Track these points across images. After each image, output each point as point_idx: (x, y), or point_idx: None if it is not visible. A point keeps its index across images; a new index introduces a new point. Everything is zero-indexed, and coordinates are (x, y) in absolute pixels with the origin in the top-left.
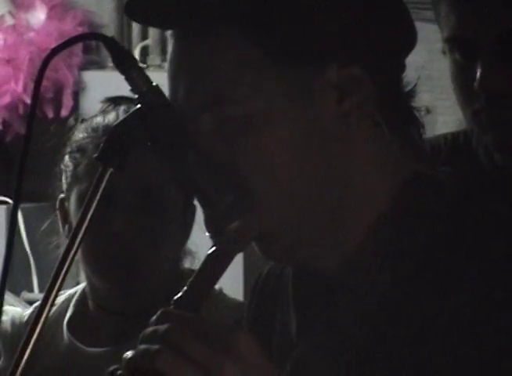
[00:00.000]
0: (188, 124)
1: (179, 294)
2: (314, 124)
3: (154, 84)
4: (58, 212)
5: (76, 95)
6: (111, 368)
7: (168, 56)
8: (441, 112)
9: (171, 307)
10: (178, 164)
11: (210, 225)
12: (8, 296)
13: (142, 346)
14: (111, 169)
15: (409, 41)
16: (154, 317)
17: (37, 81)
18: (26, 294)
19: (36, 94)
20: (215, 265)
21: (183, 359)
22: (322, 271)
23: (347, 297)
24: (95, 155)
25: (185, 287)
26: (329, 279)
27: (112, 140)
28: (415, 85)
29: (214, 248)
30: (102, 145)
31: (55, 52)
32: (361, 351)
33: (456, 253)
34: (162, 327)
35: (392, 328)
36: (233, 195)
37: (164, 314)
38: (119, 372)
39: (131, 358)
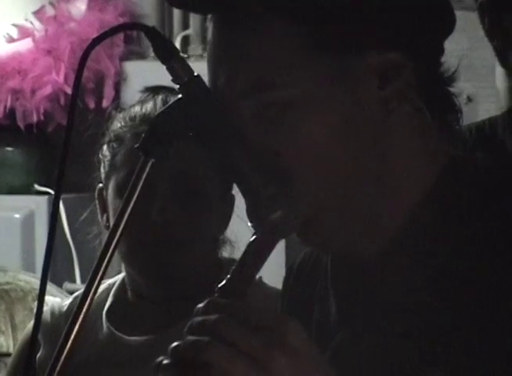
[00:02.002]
0: (229, 112)
1: (223, 282)
2: (355, 109)
3: (196, 74)
4: (96, 202)
5: (117, 86)
6: (158, 359)
7: (208, 42)
8: (483, 100)
9: (216, 295)
10: (219, 153)
11: (252, 214)
12: (50, 287)
13: (191, 338)
14: (152, 160)
15: (448, 25)
16: (200, 306)
17: (79, 71)
18: (68, 285)
19: (77, 84)
20: (258, 252)
21: (233, 351)
22: (362, 257)
23: (387, 283)
24: (137, 145)
25: (229, 275)
26: (368, 265)
27: (153, 131)
28: (455, 71)
29: (255, 236)
30: (143, 135)
31: (96, 42)
32: (402, 340)
33: (501, 237)
34: (211, 318)
35: (434, 317)
36: (276, 184)
37: (211, 303)
38: (166, 362)
39: (179, 349)
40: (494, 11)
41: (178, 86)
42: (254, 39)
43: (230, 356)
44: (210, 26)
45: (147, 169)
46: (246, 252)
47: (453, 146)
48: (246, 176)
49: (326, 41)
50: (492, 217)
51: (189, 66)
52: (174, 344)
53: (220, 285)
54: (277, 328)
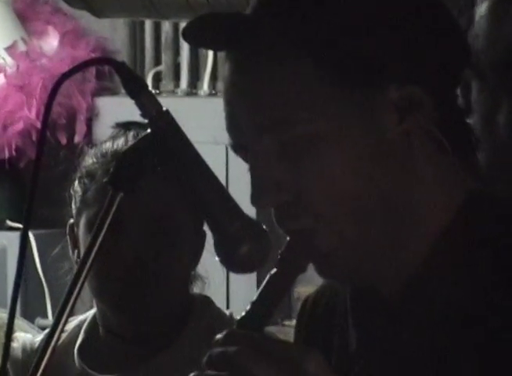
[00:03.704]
0: (246, 146)
1: (242, 315)
2: (376, 143)
3: (164, 108)
4: (68, 238)
5: (89, 121)
6: None
7: (225, 77)
8: None
9: (235, 327)
10: (187, 188)
11: (219, 249)
12: (22, 323)
13: (211, 373)
14: (121, 194)
15: (464, 58)
16: (220, 337)
17: (48, 106)
18: (40, 321)
19: (45, 119)
20: (277, 285)
21: None
22: (383, 291)
23: (409, 318)
24: (105, 179)
25: (249, 307)
26: (390, 299)
27: (122, 165)
28: (471, 103)
29: (276, 269)
30: (112, 169)
31: (65, 76)
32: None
33: None
34: (231, 350)
35: (456, 354)
36: (243, 219)
37: (231, 335)
38: None
39: None
40: None
41: (147, 121)
42: (275, 75)
43: None
44: (228, 62)
45: (116, 203)
46: (265, 285)
47: (474, 177)
48: (213, 211)
49: (346, 76)
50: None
51: (157, 101)
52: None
53: (239, 317)
54: (298, 359)
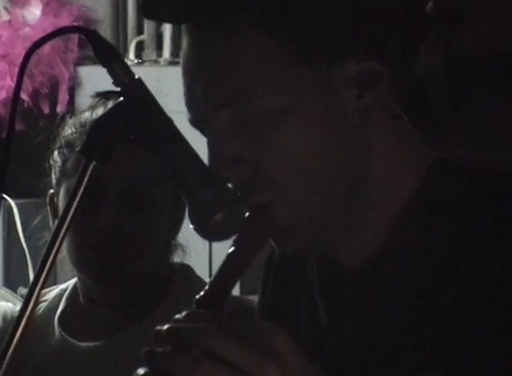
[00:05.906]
0: (204, 120)
1: (201, 294)
2: (335, 118)
3: (136, 76)
4: (48, 208)
5: (71, 91)
6: (140, 373)
7: (183, 52)
8: None
9: (194, 307)
10: (160, 156)
11: (193, 217)
12: (5, 292)
13: (177, 353)
14: (94, 162)
15: (422, 30)
16: (179, 317)
17: (20, 74)
18: (22, 290)
19: (18, 85)
20: (236, 263)
21: (224, 368)
22: (346, 264)
23: (373, 292)
24: (78, 148)
25: (207, 287)
26: (353, 272)
27: (94, 134)
28: (429, 76)
29: (233, 247)
30: (85, 139)
31: (36, 45)
32: (392, 348)
33: (487, 244)
34: (197, 328)
35: (422, 329)
36: (217, 187)
37: (192, 315)
38: (144, 373)
39: (161, 362)
40: None
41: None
42: (232, 50)
43: (221, 372)
44: (185, 34)
45: (89, 172)
46: (223, 264)
47: (435, 148)
48: (187, 179)
49: (303, 51)
50: (480, 224)
51: (129, 69)
52: (148, 350)
53: (198, 297)
54: (265, 338)
